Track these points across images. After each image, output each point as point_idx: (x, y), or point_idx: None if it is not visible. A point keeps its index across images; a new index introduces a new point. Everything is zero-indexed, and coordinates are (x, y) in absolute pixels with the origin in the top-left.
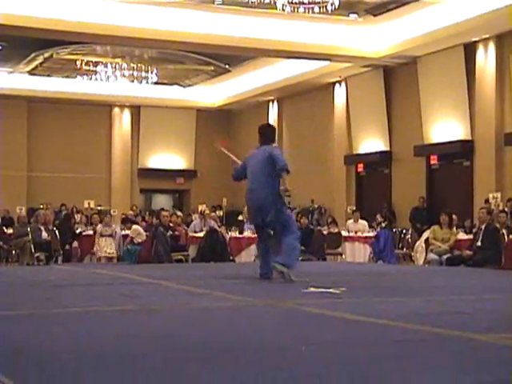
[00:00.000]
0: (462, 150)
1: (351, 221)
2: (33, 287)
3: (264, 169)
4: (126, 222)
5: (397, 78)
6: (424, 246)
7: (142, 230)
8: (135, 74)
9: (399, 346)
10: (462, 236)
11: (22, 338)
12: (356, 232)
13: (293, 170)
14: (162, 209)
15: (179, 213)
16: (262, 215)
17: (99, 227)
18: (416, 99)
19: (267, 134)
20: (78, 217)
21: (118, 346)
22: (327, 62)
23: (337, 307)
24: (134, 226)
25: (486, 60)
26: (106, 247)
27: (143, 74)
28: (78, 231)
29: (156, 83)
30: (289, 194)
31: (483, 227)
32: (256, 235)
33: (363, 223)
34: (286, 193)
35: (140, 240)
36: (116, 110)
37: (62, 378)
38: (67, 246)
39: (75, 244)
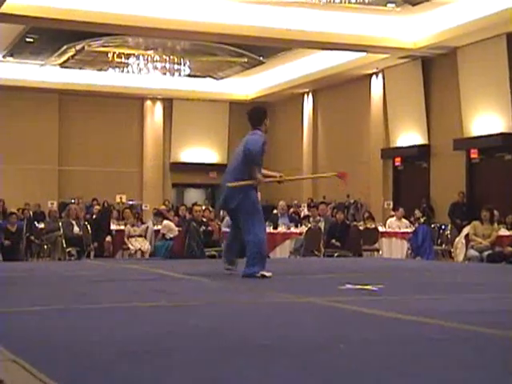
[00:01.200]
0: (504, 144)
1: (393, 219)
2: (66, 282)
3: (238, 154)
4: (158, 215)
5: (436, 70)
6: (464, 242)
7: (173, 226)
8: (167, 66)
9: (439, 344)
10: (503, 232)
11: (57, 333)
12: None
13: (328, 165)
14: (195, 203)
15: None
16: (227, 201)
17: (127, 228)
18: (456, 91)
19: (251, 118)
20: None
21: (153, 341)
22: (364, 54)
23: (375, 304)
24: (165, 222)
25: None
26: (139, 244)
27: (176, 66)
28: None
29: (189, 75)
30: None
31: None
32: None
33: (405, 222)
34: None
35: (172, 235)
36: (148, 102)
37: (95, 371)
38: (98, 242)
39: (108, 238)
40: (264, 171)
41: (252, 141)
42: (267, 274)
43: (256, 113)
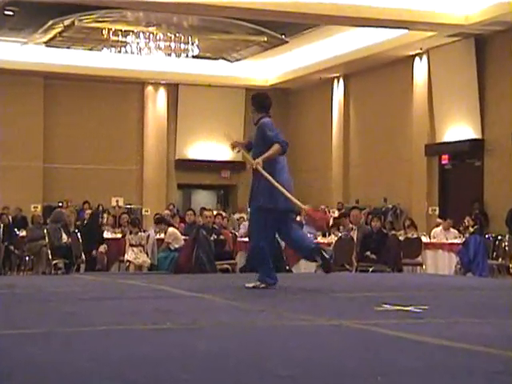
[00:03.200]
0: None
1: (439, 228)
2: (52, 301)
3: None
4: (160, 222)
5: (492, 50)
6: None
7: (179, 234)
8: (173, 45)
9: (497, 378)
10: None
11: (40, 361)
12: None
13: (361, 163)
14: (204, 208)
15: (224, 213)
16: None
17: (127, 235)
18: None
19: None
20: (104, 217)
21: (155, 367)
22: (405, 31)
23: (417, 329)
24: (170, 229)
25: None
26: (135, 256)
27: (182, 45)
28: (103, 235)
29: (197, 57)
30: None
31: None
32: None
33: (454, 232)
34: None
35: (177, 245)
36: (149, 88)
37: None
38: (89, 252)
39: (101, 249)
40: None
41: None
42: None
43: (260, 100)
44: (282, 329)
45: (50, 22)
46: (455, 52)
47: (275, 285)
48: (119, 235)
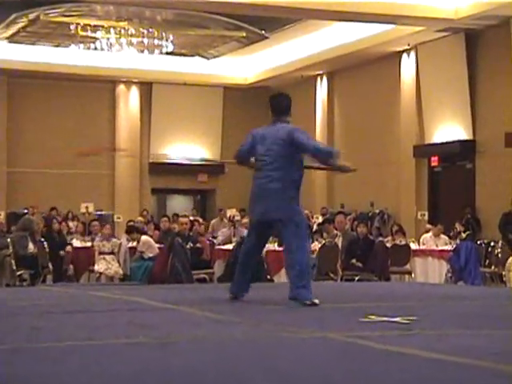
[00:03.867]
0: None
1: (428, 234)
2: (17, 315)
3: (282, 151)
4: (132, 231)
5: (483, 46)
6: None
7: (153, 242)
8: (145, 41)
9: None
10: None
11: (5, 380)
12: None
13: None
14: (176, 214)
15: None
16: (271, 209)
17: (96, 242)
18: (509, 73)
19: (276, 105)
20: (72, 224)
21: None
22: (392, 26)
23: (405, 341)
24: (143, 237)
25: None
26: (106, 265)
27: (156, 41)
28: (73, 243)
29: (172, 54)
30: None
31: None
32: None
33: (445, 239)
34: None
35: (151, 254)
36: (121, 87)
37: None
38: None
39: (67, 258)
40: None
41: (297, 130)
42: (317, 300)
43: (282, 100)
44: (262, 342)
45: (13, 16)
46: (445, 48)
47: (235, 297)
48: (89, 243)
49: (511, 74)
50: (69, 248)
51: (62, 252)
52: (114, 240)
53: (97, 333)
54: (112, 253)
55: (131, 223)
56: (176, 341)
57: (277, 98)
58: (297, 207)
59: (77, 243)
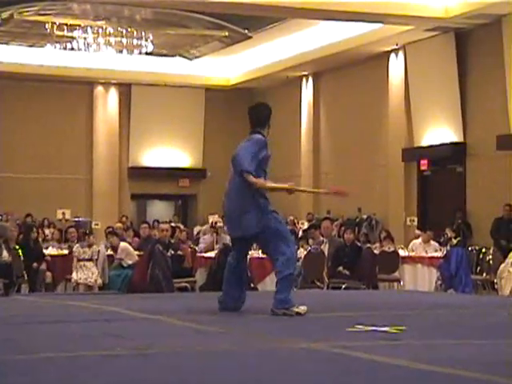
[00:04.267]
0: None
1: (418, 241)
2: None
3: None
4: (112, 235)
5: (474, 45)
6: (511, 270)
7: (131, 250)
8: (124, 41)
9: None
10: None
11: None
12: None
13: (333, 170)
14: (157, 221)
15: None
16: (241, 226)
17: (76, 248)
18: (500, 73)
19: (251, 117)
20: (48, 232)
21: None
22: (379, 25)
23: (393, 351)
24: (122, 244)
25: None
26: (86, 274)
27: (135, 41)
28: (48, 251)
29: (152, 54)
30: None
31: None
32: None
33: (434, 245)
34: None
35: (131, 262)
36: (99, 89)
37: None
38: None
39: (43, 266)
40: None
41: (243, 146)
42: (302, 309)
43: (257, 113)
44: (245, 353)
45: None
46: (434, 48)
47: (221, 308)
48: (66, 251)
49: (503, 74)
50: (43, 266)
51: (35, 264)
52: (94, 247)
53: (73, 344)
54: (91, 260)
55: (110, 229)
56: (155, 352)
57: (254, 109)
58: (267, 215)
59: (53, 251)
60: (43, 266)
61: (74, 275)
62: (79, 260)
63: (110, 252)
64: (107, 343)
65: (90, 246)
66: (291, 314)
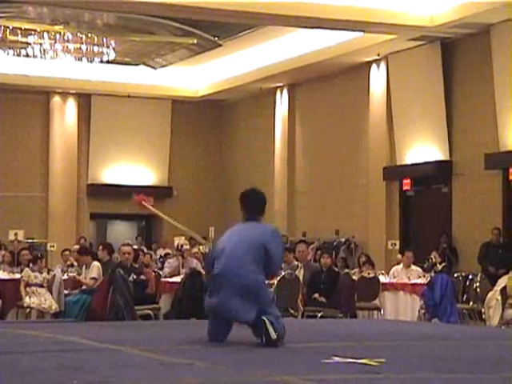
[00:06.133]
0: None
1: (399, 266)
2: None
3: (250, 252)
4: (87, 253)
5: (461, 56)
6: (500, 298)
7: (100, 271)
8: (84, 48)
9: None
10: None
11: None
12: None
13: (309, 189)
14: (106, 244)
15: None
16: (239, 313)
17: (25, 272)
18: (489, 87)
19: (254, 205)
20: None
21: None
22: (360, 34)
23: None
24: (95, 263)
25: None
26: (39, 299)
27: (96, 48)
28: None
29: (114, 62)
30: None
31: None
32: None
33: (418, 271)
34: None
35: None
36: (56, 99)
37: None
38: None
39: None
40: None
41: (278, 244)
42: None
43: (260, 199)
44: None
45: None
46: (418, 58)
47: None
48: (18, 275)
49: (492, 87)
50: None
51: None
52: (45, 273)
53: (23, 378)
54: (42, 285)
55: (67, 252)
56: None
57: (257, 197)
58: None
59: (4, 275)
60: None
61: (26, 299)
62: (29, 285)
63: (65, 276)
64: (63, 376)
65: (40, 271)
66: None
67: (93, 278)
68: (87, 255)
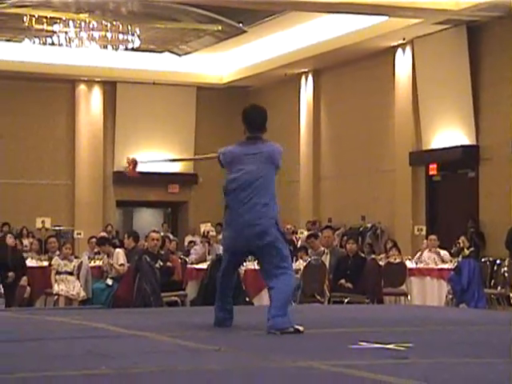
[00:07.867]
0: None
1: (426, 250)
2: None
3: (266, 173)
4: (104, 243)
5: (487, 40)
6: None
7: (124, 258)
8: (109, 36)
9: None
10: None
11: None
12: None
13: (335, 175)
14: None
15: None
16: (259, 236)
17: (55, 260)
18: None
19: (253, 120)
20: (27, 242)
21: None
22: (385, 18)
23: (399, 370)
24: (118, 250)
25: None
26: (67, 287)
27: (120, 36)
28: (27, 262)
29: (139, 50)
30: None
31: None
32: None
33: (445, 255)
34: None
35: (115, 274)
36: (82, 87)
37: None
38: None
39: (23, 281)
40: None
41: (276, 147)
42: (301, 327)
43: (260, 113)
44: (241, 372)
45: None
46: (444, 42)
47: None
48: (45, 263)
49: None
50: (23, 282)
51: (11, 273)
52: (75, 260)
53: (53, 363)
54: (71, 273)
55: (93, 239)
56: (142, 372)
57: (255, 112)
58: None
59: (32, 262)
60: (23, 282)
61: (55, 287)
62: (59, 273)
63: (94, 263)
64: (91, 362)
65: (70, 259)
66: (290, 331)
67: (121, 265)
68: (105, 245)
